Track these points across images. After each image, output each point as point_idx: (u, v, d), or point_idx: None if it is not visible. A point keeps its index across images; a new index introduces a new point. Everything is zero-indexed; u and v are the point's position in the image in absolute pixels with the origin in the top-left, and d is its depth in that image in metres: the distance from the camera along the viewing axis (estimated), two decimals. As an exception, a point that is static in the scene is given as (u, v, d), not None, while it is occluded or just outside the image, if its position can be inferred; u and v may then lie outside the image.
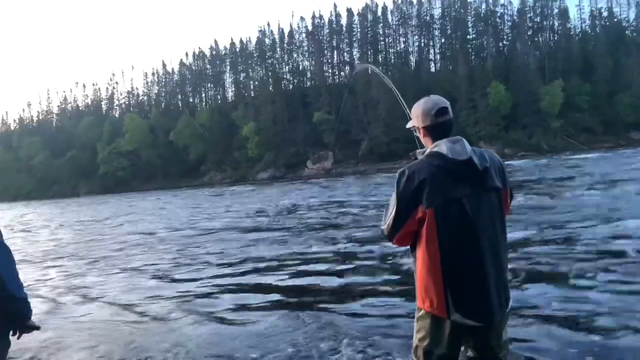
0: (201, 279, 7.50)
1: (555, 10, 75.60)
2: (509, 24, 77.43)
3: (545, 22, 76.60)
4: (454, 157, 2.09)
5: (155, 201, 35.44)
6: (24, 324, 2.65)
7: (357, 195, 22.84)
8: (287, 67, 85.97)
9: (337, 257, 8.30)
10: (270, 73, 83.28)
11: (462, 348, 2.27)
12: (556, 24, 76.28)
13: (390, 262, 7.32)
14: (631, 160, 27.65)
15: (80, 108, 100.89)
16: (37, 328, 2.74)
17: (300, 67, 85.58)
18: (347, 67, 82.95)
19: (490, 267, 2.10)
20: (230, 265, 8.47)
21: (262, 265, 8.16)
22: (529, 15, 76.48)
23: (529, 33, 74.95)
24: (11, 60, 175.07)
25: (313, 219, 14.28)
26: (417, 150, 2.29)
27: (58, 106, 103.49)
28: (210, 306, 5.86)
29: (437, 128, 2.21)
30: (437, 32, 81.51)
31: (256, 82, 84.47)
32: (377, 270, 6.94)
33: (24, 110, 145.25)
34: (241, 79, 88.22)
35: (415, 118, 2.29)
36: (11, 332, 2.66)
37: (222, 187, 54.56)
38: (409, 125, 2.39)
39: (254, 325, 4.92)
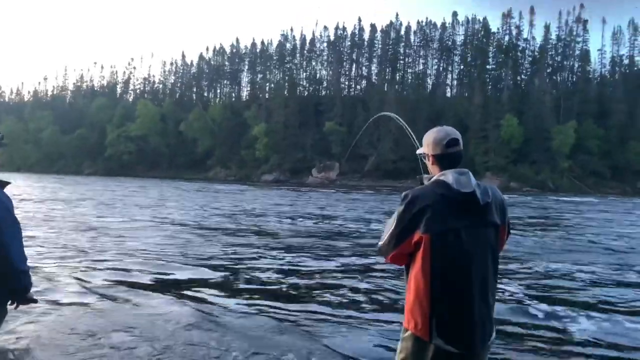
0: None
1: (577, 52, 75.92)
2: (530, 59, 77.74)
3: (565, 62, 76.92)
4: (458, 188, 2.14)
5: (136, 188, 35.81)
6: (24, 296, 2.73)
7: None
8: (304, 74, 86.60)
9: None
10: (287, 77, 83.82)
11: None
12: (576, 65, 76.57)
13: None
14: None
15: (95, 88, 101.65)
16: (35, 301, 2.84)
17: (318, 75, 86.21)
18: (364, 81, 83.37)
19: (478, 299, 2.14)
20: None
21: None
22: (550, 53, 76.78)
23: (548, 70, 75.20)
24: (32, 33, 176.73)
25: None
26: (425, 175, 2.35)
27: (74, 84, 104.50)
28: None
29: (447, 158, 2.27)
30: (457, 58, 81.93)
31: (272, 85, 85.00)
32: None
33: (39, 83, 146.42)
34: (258, 79, 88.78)
35: (426, 146, 2.34)
36: (9, 302, 2.75)
37: (224, 184, 54.64)
38: (419, 151, 2.45)
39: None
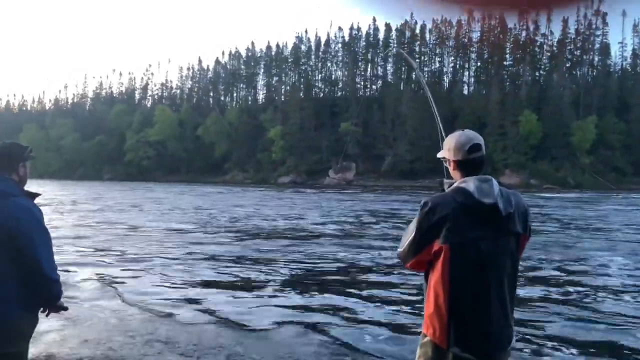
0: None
1: (597, 46, 74.51)
2: (548, 54, 76.52)
3: (585, 56, 75.48)
4: (480, 197, 2.09)
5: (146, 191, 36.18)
6: (54, 304, 2.83)
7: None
8: (319, 75, 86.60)
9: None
10: (302, 79, 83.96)
11: None
12: (596, 59, 75.16)
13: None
14: None
15: (114, 95, 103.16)
16: (65, 309, 2.94)
17: (333, 76, 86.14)
18: (380, 81, 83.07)
19: (495, 307, 2.13)
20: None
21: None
22: (569, 47, 75.50)
23: (567, 65, 73.94)
24: (53, 42, 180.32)
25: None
26: (445, 180, 2.31)
27: (93, 91, 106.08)
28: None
29: (469, 164, 2.21)
30: (473, 55, 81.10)
31: (287, 87, 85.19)
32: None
33: (60, 91, 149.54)
34: (273, 82, 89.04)
35: (448, 151, 2.29)
36: (40, 310, 2.85)
37: (242, 186, 54.93)
38: (440, 155, 2.39)
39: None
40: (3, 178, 2.76)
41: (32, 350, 3.46)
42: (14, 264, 2.64)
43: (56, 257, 2.63)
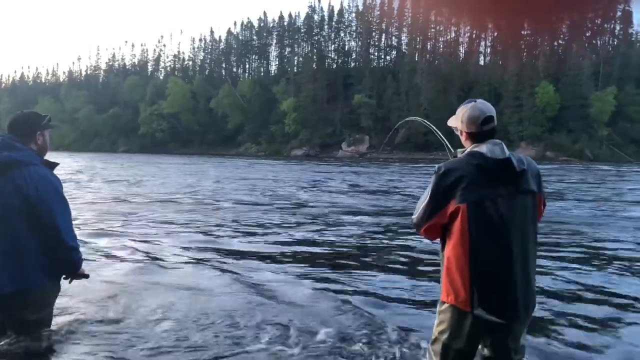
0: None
1: (619, 14, 72.20)
2: (567, 22, 74.30)
3: (606, 25, 73.27)
4: (493, 156, 2.13)
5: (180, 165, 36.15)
6: (75, 272, 2.92)
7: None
8: (332, 46, 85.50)
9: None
10: (315, 50, 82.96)
11: (480, 347, 2.29)
12: (617, 27, 72.98)
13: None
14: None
15: (127, 67, 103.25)
16: (86, 276, 3.03)
17: (346, 47, 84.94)
18: (394, 52, 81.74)
19: (519, 269, 2.12)
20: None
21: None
22: (589, 15, 73.20)
23: (587, 34, 71.97)
24: (65, 14, 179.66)
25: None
26: (458, 150, 2.34)
27: (106, 63, 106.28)
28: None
29: (482, 135, 2.24)
30: (489, 25, 79.02)
31: (300, 58, 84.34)
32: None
33: (73, 63, 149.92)
34: (286, 53, 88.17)
35: (460, 122, 2.30)
36: (63, 277, 2.95)
37: (256, 158, 54.93)
38: (451, 124, 2.40)
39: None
40: (22, 147, 2.80)
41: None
42: (34, 232, 2.71)
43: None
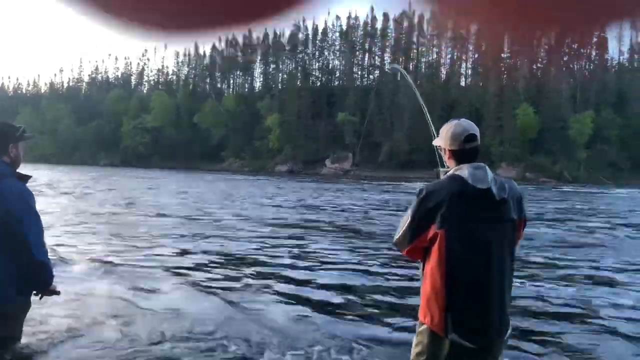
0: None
1: (594, 39, 74.21)
2: (546, 47, 76.19)
3: (582, 50, 75.27)
4: (474, 183, 2.13)
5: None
6: (46, 288, 2.82)
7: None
8: (317, 64, 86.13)
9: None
10: (299, 68, 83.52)
11: None
12: (594, 53, 75.03)
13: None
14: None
15: (110, 80, 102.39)
16: (57, 293, 2.94)
17: (330, 65, 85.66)
18: (377, 71, 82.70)
19: (494, 294, 2.15)
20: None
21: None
22: (567, 40, 75.15)
23: (564, 59, 73.79)
24: (47, 26, 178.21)
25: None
26: (441, 169, 2.36)
27: (89, 75, 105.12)
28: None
29: (464, 153, 2.25)
30: (471, 47, 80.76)
31: (285, 75, 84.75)
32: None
33: (55, 75, 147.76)
34: (270, 70, 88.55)
35: (443, 140, 2.32)
36: (34, 294, 2.86)
37: (241, 174, 54.60)
38: (435, 142, 2.43)
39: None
40: None
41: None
42: (5, 247, 2.61)
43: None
